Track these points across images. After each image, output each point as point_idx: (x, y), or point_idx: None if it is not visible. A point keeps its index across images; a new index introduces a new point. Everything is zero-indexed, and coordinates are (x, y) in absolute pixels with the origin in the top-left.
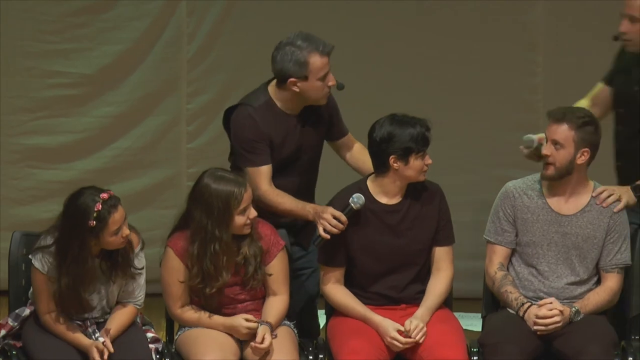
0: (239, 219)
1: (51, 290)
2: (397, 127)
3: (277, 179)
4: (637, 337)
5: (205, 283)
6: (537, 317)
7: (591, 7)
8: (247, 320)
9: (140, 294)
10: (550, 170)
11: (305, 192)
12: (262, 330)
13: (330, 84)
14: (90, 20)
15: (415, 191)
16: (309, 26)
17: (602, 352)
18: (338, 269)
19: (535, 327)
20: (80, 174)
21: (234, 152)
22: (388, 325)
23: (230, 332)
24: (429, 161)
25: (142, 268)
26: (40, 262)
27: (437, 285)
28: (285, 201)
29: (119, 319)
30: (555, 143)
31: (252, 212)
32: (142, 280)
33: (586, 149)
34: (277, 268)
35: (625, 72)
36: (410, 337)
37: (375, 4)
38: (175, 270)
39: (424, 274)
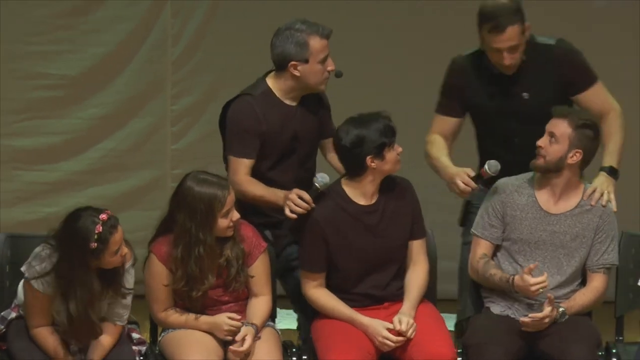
0: (222, 222)
1: (47, 307)
2: (363, 127)
3: (275, 172)
4: (621, 338)
5: (190, 286)
6: (524, 279)
7: (571, 8)
8: (230, 318)
9: (128, 312)
10: (540, 161)
11: (304, 189)
12: (245, 331)
13: (329, 68)
14: (75, 23)
15: (388, 188)
16: None
17: (587, 353)
18: (319, 275)
19: (523, 320)
20: (65, 176)
21: (225, 142)
22: (378, 325)
23: (212, 329)
24: (400, 149)
25: (131, 288)
26: (38, 282)
27: (417, 279)
28: (257, 188)
29: (102, 345)
30: (551, 135)
31: (235, 215)
32: (131, 297)
33: (579, 150)
34: (260, 269)
35: (484, 90)
36: (401, 335)
37: (363, 4)
38: (159, 275)
39: (403, 270)
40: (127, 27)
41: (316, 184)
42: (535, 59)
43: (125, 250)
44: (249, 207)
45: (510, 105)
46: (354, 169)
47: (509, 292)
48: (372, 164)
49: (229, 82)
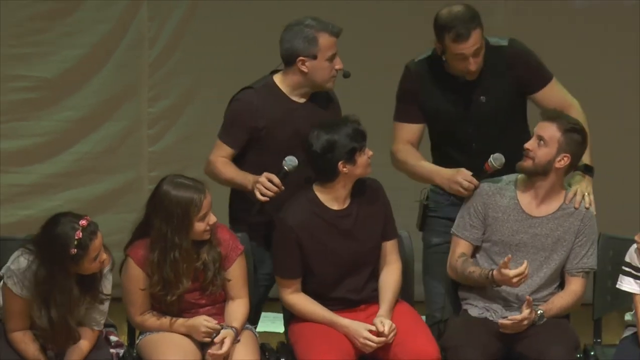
0: (199, 226)
1: (25, 310)
2: (334, 132)
3: (276, 168)
4: (599, 340)
5: (166, 290)
6: (502, 273)
7: (553, 8)
8: (206, 320)
9: (104, 317)
10: (528, 163)
11: (305, 186)
12: (224, 334)
13: (337, 67)
14: (51, 25)
15: (360, 191)
16: (274, 29)
17: (565, 355)
18: (295, 280)
19: (502, 322)
20: (40, 178)
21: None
22: (358, 326)
23: (189, 332)
24: (370, 153)
25: (109, 294)
26: (17, 286)
27: (391, 279)
28: (228, 170)
29: (80, 349)
30: (540, 139)
31: (212, 218)
32: (108, 303)
33: (567, 155)
34: (237, 272)
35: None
36: (381, 336)
37: (346, 4)
38: (136, 278)
39: (377, 271)
40: (103, 29)
41: (285, 167)
42: (489, 61)
43: (104, 256)
44: (252, 207)
45: (468, 109)
46: (326, 174)
47: (490, 287)
48: (344, 169)
49: (206, 85)
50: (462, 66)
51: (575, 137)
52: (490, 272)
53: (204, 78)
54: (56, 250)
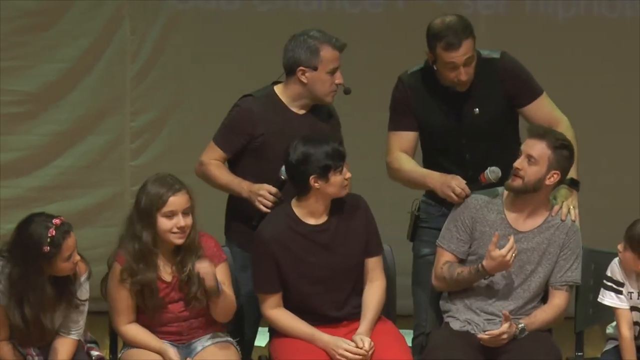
0: (163, 222)
1: (3, 319)
2: (311, 146)
3: (271, 176)
4: (581, 354)
5: (144, 295)
6: (493, 256)
7: (535, 21)
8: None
9: (82, 324)
10: (517, 182)
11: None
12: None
13: (337, 81)
14: (33, 39)
15: (340, 207)
16: (255, 42)
17: None
18: (275, 295)
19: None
20: (23, 192)
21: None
22: (337, 340)
23: (161, 354)
24: (348, 175)
25: (86, 300)
26: None
27: (374, 297)
28: (222, 174)
29: (62, 357)
30: (529, 158)
31: (182, 221)
32: (86, 310)
33: (557, 172)
34: (219, 278)
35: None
36: (359, 353)
37: (325, 17)
38: (121, 285)
39: (359, 288)
40: (85, 43)
41: (281, 176)
42: (481, 73)
43: (77, 257)
44: (255, 212)
45: (461, 121)
46: (299, 186)
47: (483, 278)
48: (316, 184)
49: (188, 99)
50: (453, 76)
51: (564, 153)
52: (480, 264)
53: (186, 92)
54: (30, 248)
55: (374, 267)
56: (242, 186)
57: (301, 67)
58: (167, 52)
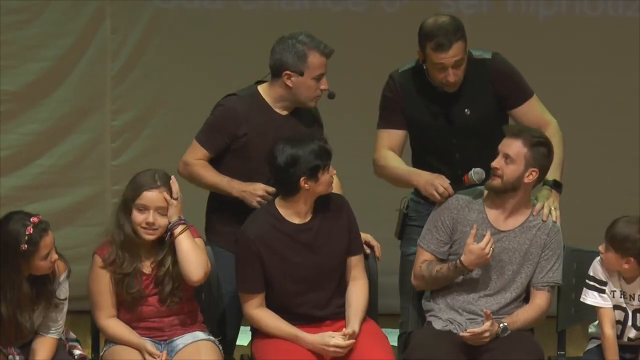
0: (135, 215)
1: None
2: (299, 147)
3: (258, 178)
4: (563, 353)
5: (126, 283)
6: (472, 249)
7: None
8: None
9: (62, 323)
10: (497, 182)
11: None
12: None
13: (322, 87)
14: (14, 38)
15: (323, 206)
16: (237, 42)
17: None
18: (258, 295)
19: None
20: (4, 191)
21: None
22: (323, 337)
23: (140, 350)
24: (334, 172)
25: (65, 299)
26: None
27: (359, 295)
28: (210, 174)
29: (42, 356)
30: (506, 157)
31: (151, 218)
32: (65, 309)
33: (535, 169)
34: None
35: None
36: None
37: (309, 16)
38: (102, 277)
39: (342, 288)
40: (66, 42)
41: None
42: (473, 73)
43: (55, 256)
44: (244, 212)
45: (452, 121)
46: (287, 188)
47: (462, 274)
48: (305, 185)
49: (170, 98)
50: (441, 77)
51: (541, 150)
52: (458, 260)
53: (167, 91)
54: (7, 246)
55: (357, 265)
56: (233, 185)
57: (287, 71)
58: (148, 51)
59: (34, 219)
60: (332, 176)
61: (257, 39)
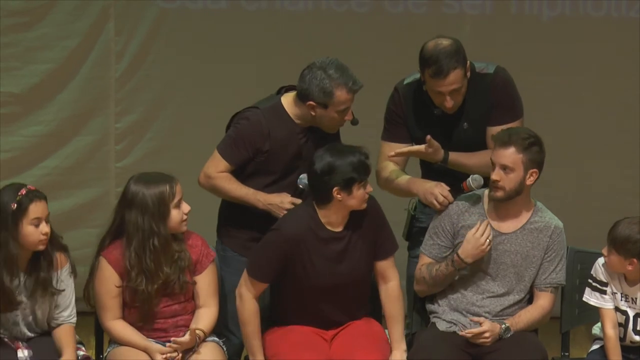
0: (175, 214)
1: None
2: (337, 157)
3: (273, 188)
4: (567, 354)
5: (146, 281)
6: (468, 238)
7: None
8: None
9: (72, 309)
10: (500, 193)
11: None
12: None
13: (346, 118)
14: (18, 40)
15: (357, 217)
16: (241, 44)
17: None
18: (261, 285)
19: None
20: None
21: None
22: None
23: (147, 352)
24: (370, 189)
25: (64, 290)
26: None
27: (394, 304)
28: (235, 187)
29: (66, 342)
30: (504, 168)
31: (186, 207)
32: (70, 296)
33: (534, 170)
34: (207, 280)
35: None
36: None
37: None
38: (109, 279)
39: (364, 292)
40: (70, 44)
41: (300, 185)
42: (474, 88)
43: (46, 229)
44: (258, 213)
45: (450, 135)
46: (320, 196)
47: (461, 269)
48: (338, 195)
49: (173, 100)
50: (439, 101)
51: (534, 149)
52: (455, 253)
53: (171, 93)
54: (2, 212)
55: (387, 267)
56: (258, 198)
57: (311, 102)
58: (152, 53)
59: (30, 187)
60: (367, 192)
61: (260, 39)
